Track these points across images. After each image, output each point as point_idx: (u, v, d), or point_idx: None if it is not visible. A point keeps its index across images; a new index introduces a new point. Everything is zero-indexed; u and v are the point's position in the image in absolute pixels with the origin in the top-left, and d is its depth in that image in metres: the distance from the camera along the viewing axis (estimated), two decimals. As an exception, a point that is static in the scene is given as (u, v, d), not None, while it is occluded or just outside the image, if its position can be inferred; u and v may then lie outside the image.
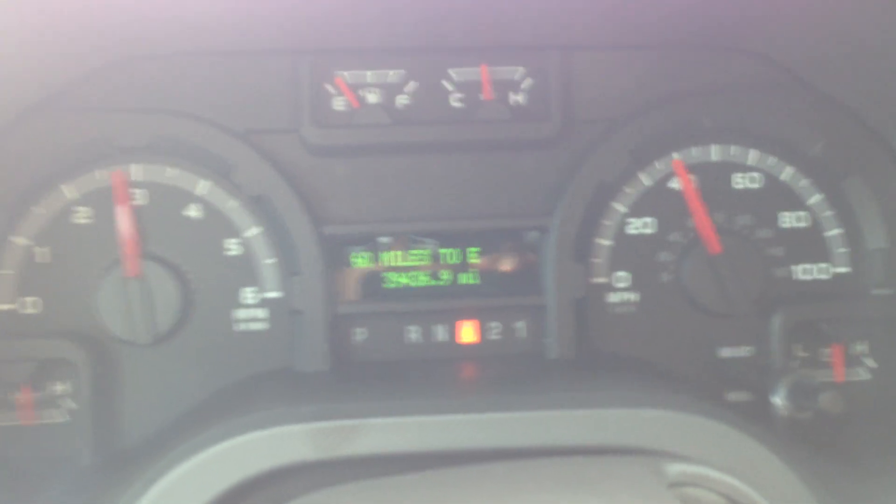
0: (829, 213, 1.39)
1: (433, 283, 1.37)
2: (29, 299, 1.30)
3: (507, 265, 1.39)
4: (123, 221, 1.29)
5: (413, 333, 1.37)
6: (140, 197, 1.32)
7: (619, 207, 1.38)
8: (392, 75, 1.36)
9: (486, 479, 0.87)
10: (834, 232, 1.40)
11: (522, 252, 1.38)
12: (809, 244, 1.39)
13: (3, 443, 1.28)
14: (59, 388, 1.30)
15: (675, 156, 1.38)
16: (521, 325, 1.38)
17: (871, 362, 1.38)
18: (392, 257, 1.37)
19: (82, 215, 1.31)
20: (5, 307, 1.29)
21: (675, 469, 0.86)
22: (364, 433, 0.94)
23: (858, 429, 1.31)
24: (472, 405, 0.96)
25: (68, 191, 1.31)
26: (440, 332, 1.37)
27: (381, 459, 0.95)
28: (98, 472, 1.24)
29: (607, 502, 0.79)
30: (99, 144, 1.30)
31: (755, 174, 1.40)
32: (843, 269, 1.39)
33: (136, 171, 1.32)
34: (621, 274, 1.38)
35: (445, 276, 1.38)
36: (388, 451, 0.94)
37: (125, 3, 1.14)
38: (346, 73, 1.35)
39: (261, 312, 1.34)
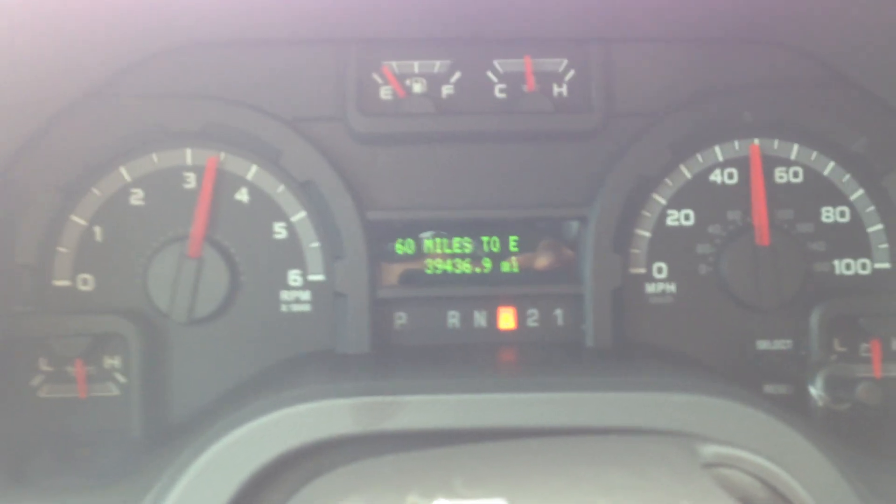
0: (870, 208, 1.40)
1: (474, 270, 1.40)
2: (85, 276, 1.35)
3: (545, 258, 1.41)
4: (203, 203, 1.34)
5: (453, 319, 1.40)
6: (193, 181, 1.36)
7: (659, 199, 1.40)
8: (438, 66, 1.39)
9: (522, 455, 0.89)
10: (875, 228, 1.40)
11: (562, 242, 1.40)
12: (850, 239, 1.39)
13: (60, 414, 1.33)
14: (111, 362, 1.35)
15: (753, 141, 1.39)
16: (558, 313, 1.40)
17: (910, 358, 1.38)
18: (434, 244, 1.40)
19: (137, 197, 1.36)
20: (63, 283, 1.34)
21: (709, 450, 0.88)
22: (406, 409, 0.97)
23: (894, 423, 1.31)
24: (511, 385, 0.99)
25: (126, 173, 1.36)
26: (479, 319, 1.40)
27: (421, 435, 0.97)
28: (147, 444, 1.28)
29: (642, 479, 0.81)
30: (153, 129, 1.35)
31: (797, 169, 1.40)
32: (883, 265, 1.39)
33: (189, 156, 1.37)
34: (660, 265, 1.40)
35: (486, 263, 1.40)
36: (429, 426, 0.96)
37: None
38: (393, 63, 1.38)
39: (304, 295, 1.38)
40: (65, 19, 1.14)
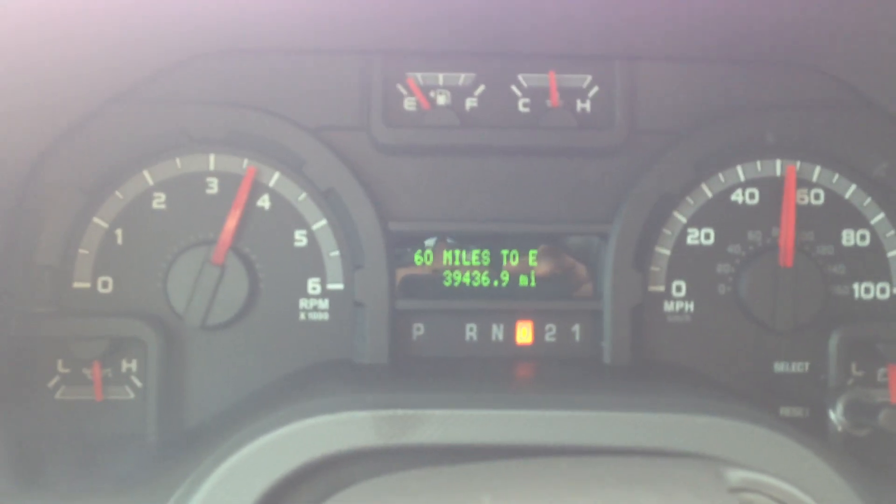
0: (891, 232, 1.40)
1: (492, 283, 1.40)
2: (105, 279, 1.35)
3: (565, 269, 1.41)
4: (235, 214, 1.34)
5: (470, 332, 1.39)
6: (216, 186, 1.37)
7: (680, 217, 1.40)
8: (462, 78, 1.39)
9: (547, 473, 0.89)
10: (895, 252, 1.39)
11: (582, 257, 1.40)
12: (870, 263, 1.39)
13: (75, 416, 1.33)
14: (127, 366, 1.35)
15: (789, 163, 1.39)
16: (576, 329, 1.40)
17: (927, 384, 1.38)
18: (453, 256, 1.40)
19: (159, 201, 1.36)
20: (83, 285, 1.35)
21: (736, 475, 0.87)
22: (427, 423, 0.97)
23: (913, 450, 1.31)
24: (536, 402, 0.98)
25: (149, 177, 1.36)
26: (497, 332, 1.40)
27: (441, 449, 0.97)
28: (163, 448, 1.28)
29: (668, 502, 0.80)
30: (177, 135, 1.35)
31: (818, 191, 1.40)
32: None
33: (212, 161, 1.37)
34: (679, 283, 1.39)
35: (504, 277, 1.40)
36: (451, 441, 0.96)
37: (205, 1, 1.19)
38: (417, 75, 1.39)
39: (323, 303, 1.38)
40: (93, 25, 1.15)
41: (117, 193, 1.35)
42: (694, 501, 0.80)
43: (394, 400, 1.00)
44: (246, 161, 1.37)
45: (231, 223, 1.34)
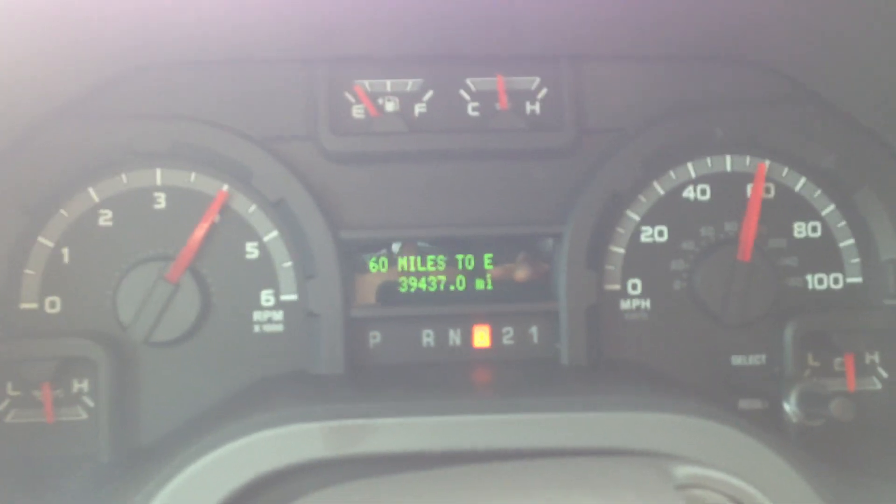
0: (841, 223, 1.40)
1: (448, 288, 1.39)
2: (52, 299, 1.33)
3: (521, 272, 1.40)
4: (198, 233, 1.33)
5: (427, 337, 1.38)
6: (163, 201, 1.35)
7: (633, 215, 1.40)
8: (410, 84, 1.39)
9: (494, 478, 0.88)
10: (847, 242, 1.40)
11: (536, 259, 1.40)
12: (822, 254, 1.40)
13: (26, 439, 1.30)
14: (79, 386, 1.33)
15: (760, 161, 1.39)
16: (534, 331, 1.39)
17: (882, 372, 1.39)
18: (407, 262, 1.39)
19: (106, 218, 1.34)
20: (29, 306, 1.32)
21: (682, 471, 0.87)
22: (376, 432, 0.96)
23: (869, 438, 1.32)
24: (482, 407, 0.98)
25: (94, 194, 1.34)
26: (454, 337, 1.39)
27: (393, 458, 0.96)
28: (116, 469, 1.26)
29: (614, 502, 0.80)
30: (122, 150, 1.33)
31: (769, 185, 1.41)
32: (855, 280, 1.40)
33: (159, 176, 1.35)
34: (634, 281, 1.39)
35: (460, 281, 1.39)
36: (401, 450, 0.96)
37: (148, 12, 1.17)
38: (365, 82, 1.38)
39: (277, 315, 1.36)
40: (32, 39, 1.13)
41: (62, 212, 1.33)
42: (638, 501, 0.79)
43: (343, 410, 0.99)
44: (194, 175, 1.35)
45: (193, 243, 1.32)
